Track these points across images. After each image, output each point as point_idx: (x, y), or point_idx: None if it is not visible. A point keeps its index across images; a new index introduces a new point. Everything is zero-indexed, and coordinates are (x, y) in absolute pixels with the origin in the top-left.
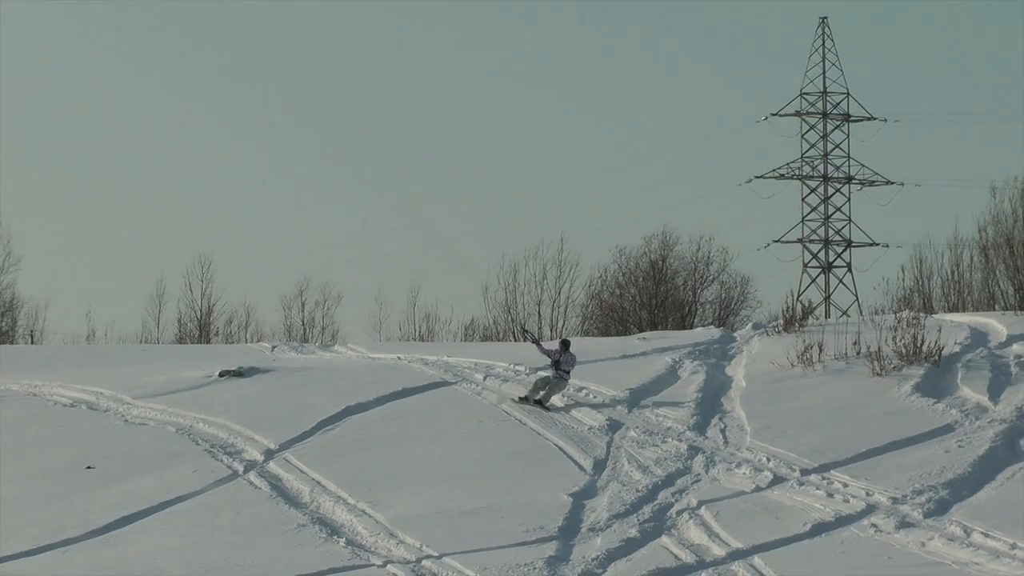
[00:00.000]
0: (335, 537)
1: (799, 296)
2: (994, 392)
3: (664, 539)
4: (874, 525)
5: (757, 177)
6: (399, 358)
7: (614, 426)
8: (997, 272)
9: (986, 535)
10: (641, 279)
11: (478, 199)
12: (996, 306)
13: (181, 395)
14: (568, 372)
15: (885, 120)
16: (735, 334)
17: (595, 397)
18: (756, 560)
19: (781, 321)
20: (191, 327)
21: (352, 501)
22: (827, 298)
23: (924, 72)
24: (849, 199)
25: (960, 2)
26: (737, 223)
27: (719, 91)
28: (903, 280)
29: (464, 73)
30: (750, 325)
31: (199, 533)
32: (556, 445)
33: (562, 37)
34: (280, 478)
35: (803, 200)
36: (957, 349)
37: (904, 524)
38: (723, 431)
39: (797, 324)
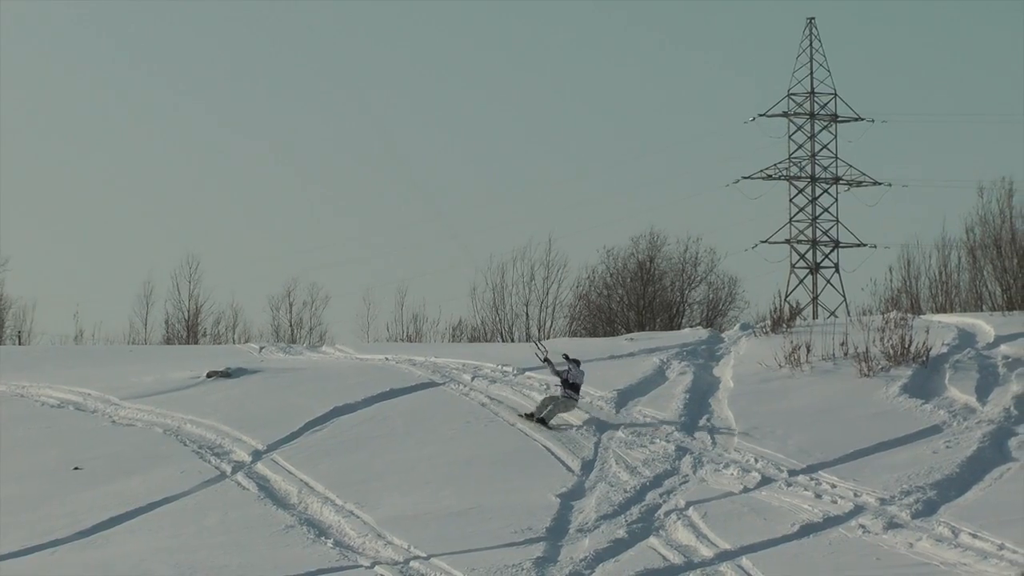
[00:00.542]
0: (323, 538)
1: (787, 297)
2: (982, 393)
3: (652, 540)
4: (862, 526)
5: (745, 178)
6: (387, 359)
7: (602, 427)
8: (985, 273)
9: (974, 536)
10: (629, 280)
11: (466, 199)
12: (984, 307)
13: (169, 396)
14: (578, 389)
15: (872, 121)
16: (723, 335)
17: (583, 397)
18: (744, 561)
19: (769, 322)
20: (179, 328)
21: (340, 502)
22: (815, 299)
23: (911, 73)
24: (837, 200)
25: (948, 3)
26: (725, 224)
27: (707, 92)
28: (891, 281)
29: (450, 75)
30: (738, 326)
31: (187, 534)
32: (544, 446)
33: (550, 39)
34: (268, 479)
35: (791, 201)
36: (945, 350)
37: (892, 525)
38: (711, 432)
39: (785, 325)
